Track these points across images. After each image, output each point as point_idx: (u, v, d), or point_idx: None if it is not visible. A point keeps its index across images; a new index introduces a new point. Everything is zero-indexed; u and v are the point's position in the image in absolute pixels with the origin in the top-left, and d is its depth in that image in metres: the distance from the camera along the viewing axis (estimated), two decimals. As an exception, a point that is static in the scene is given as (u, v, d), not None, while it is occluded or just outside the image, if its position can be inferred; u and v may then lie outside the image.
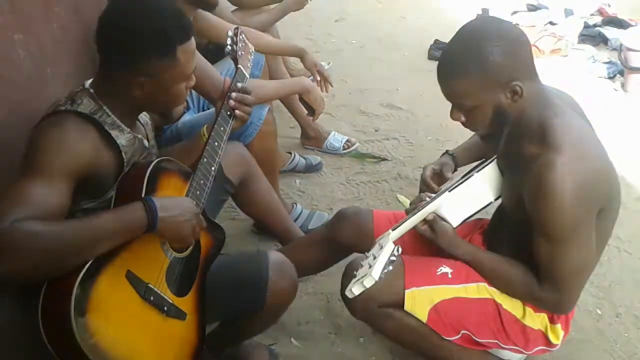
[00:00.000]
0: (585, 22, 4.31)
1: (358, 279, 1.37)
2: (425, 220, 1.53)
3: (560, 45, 4.07)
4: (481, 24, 1.45)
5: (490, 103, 1.39)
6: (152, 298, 1.26)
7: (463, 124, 1.48)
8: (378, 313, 1.57)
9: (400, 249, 1.42)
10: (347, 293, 1.38)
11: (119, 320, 1.19)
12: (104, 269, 1.17)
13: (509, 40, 1.36)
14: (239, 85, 1.66)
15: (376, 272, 1.33)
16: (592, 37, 4.20)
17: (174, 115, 2.18)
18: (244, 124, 1.70)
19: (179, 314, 1.34)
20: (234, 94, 1.62)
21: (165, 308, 1.30)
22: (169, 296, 1.32)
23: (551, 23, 4.30)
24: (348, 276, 1.60)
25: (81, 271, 1.12)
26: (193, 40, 1.38)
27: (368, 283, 1.33)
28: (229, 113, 1.61)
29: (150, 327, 1.26)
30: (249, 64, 1.80)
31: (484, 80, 1.36)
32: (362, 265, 1.41)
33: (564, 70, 3.83)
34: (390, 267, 1.37)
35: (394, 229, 1.50)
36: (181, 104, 1.46)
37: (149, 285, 1.27)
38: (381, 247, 1.41)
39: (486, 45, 1.34)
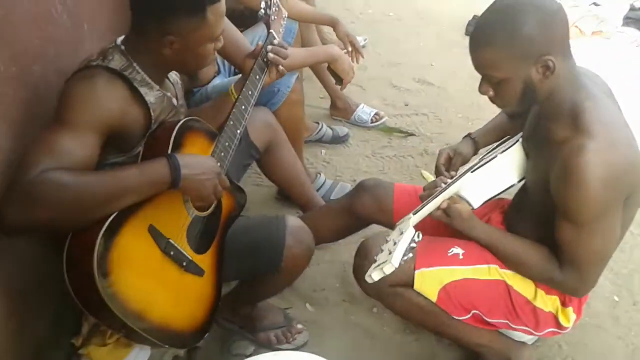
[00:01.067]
0: (630, 5, 4.17)
1: (378, 265, 1.36)
2: (439, 207, 1.51)
3: (603, 27, 3.94)
4: None
5: (520, 77, 1.35)
6: (172, 253, 1.31)
7: (491, 99, 1.45)
8: (389, 292, 1.58)
9: (420, 235, 1.40)
10: (367, 278, 1.37)
11: (139, 271, 1.24)
12: (128, 222, 1.22)
13: (545, 13, 1.31)
14: (275, 41, 1.66)
15: (396, 260, 1.32)
16: (636, 20, 4.07)
17: (203, 78, 2.20)
18: (281, 77, 1.71)
19: (197, 271, 1.38)
20: (270, 47, 1.64)
21: (184, 263, 1.34)
22: (188, 252, 1.36)
23: (595, 4, 4.17)
24: (361, 256, 1.61)
25: (105, 222, 1.17)
26: (223, 2, 1.39)
27: (388, 270, 1.33)
28: (257, 77, 1.62)
29: (168, 281, 1.31)
30: (281, 29, 1.81)
31: (514, 51, 1.32)
32: (382, 250, 1.40)
33: (605, 53, 3.73)
34: (410, 255, 1.36)
35: (415, 213, 1.48)
36: (208, 65, 1.47)
37: (170, 240, 1.31)
38: (401, 233, 1.40)
39: (520, 15, 1.30)
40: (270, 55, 1.65)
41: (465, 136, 1.84)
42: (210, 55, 1.44)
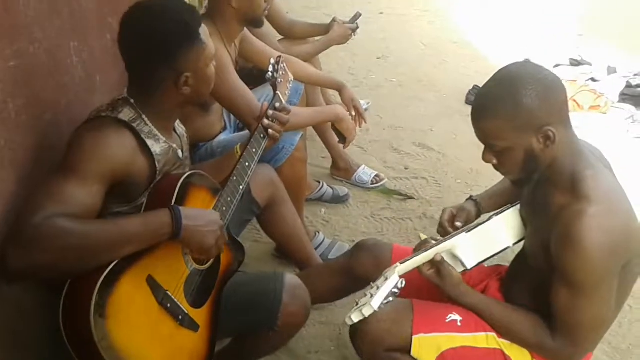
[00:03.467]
0: (627, 82, 4.28)
1: (358, 307, 1.37)
2: (432, 262, 1.51)
3: (600, 102, 4.04)
4: (518, 67, 1.45)
5: (522, 146, 1.38)
6: (168, 305, 1.30)
7: (495, 167, 1.48)
8: (384, 357, 1.55)
9: (404, 282, 1.41)
10: (346, 320, 1.39)
11: (135, 322, 1.22)
12: (127, 271, 1.21)
13: (544, 85, 1.36)
14: (277, 105, 1.71)
15: (376, 302, 1.33)
16: (633, 97, 4.16)
17: (209, 133, 2.24)
18: (275, 143, 1.74)
19: (192, 325, 1.37)
20: (270, 112, 1.67)
21: (180, 317, 1.33)
22: (184, 306, 1.35)
23: (593, 79, 4.29)
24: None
25: (104, 271, 1.17)
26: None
27: (366, 312, 1.34)
28: (262, 135, 1.66)
29: (163, 334, 1.29)
30: (286, 92, 1.86)
31: (516, 122, 1.36)
32: (365, 295, 1.41)
33: (601, 127, 3.80)
34: (391, 299, 1.36)
35: (402, 263, 1.49)
36: (212, 86, 1.51)
37: (167, 292, 1.30)
38: (386, 279, 1.41)
39: (521, 88, 1.34)
40: (265, 122, 1.68)
41: (468, 199, 1.85)
42: (213, 76, 1.48)
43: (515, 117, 1.35)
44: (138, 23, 1.38)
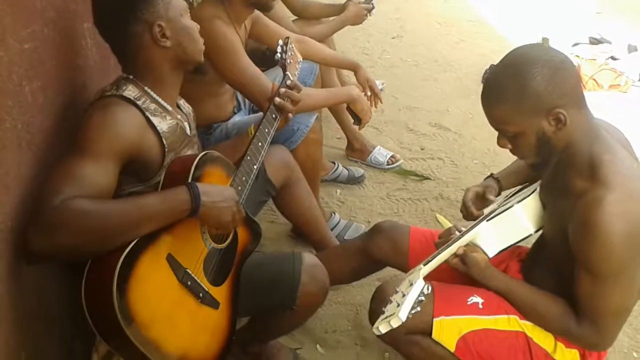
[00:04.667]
0: (648, 60, 4.20)
1: (385, 317, 1.35)
2: (456, 255, 1.51)
3: (620, 80, 3.97)
4: (525, 50, 1.43)
5: (533, 130, 1.37)
6: (189, 283, 1.31)
7: (511, 151, 1.47)
8: (405, 339, 1.55)
9: (430, 288, 1.39)
10: (374, 331, 1.37)
11: (157, 301, 1.24)
12: (146, 250, 1.22)
13: (551, 67, 1.33)
14: (289, 82, 1.69)
15: (403, 314, 1.31)
16: (654, 75, 4.09)
17: (223, 114, 2.24)
18: (288, 122, 1.73)
19: (213, 303, 1.38)
20: (282, 89, 1.66)
21: (201, 295, 1.34)
22: (204, 284, 1.36)
23: (613, 58, 4.21)
24: (377, 300, 1.59)
25: (125, 250, 1.17)
26: None
27: (395, 323, 1.32)
28: (274, 115, 1.65)
29: (184, 311, 1.30)
30: (296, 72, 1.86)
31: (524, 106, 1.34)
32: (390, 302, 1.39)
33: (621, 106, 3.74)
34: (418, 308, 1.34)
35: (425, 264, 1.47)
36: (201, 47, 1.49)
37: (187, 270, 1.31)
38: (411, 284, 1.38)
39: (526, 71, 1.33)
40: (277, 100, 1.67)
41: (489, 176, 1.83)
42: (195, 28, 1.47)
43: (523, 101, 1.34)
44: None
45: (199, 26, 1.50)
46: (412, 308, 1.33)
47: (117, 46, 1.45)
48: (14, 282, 1.22)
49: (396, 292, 1.41)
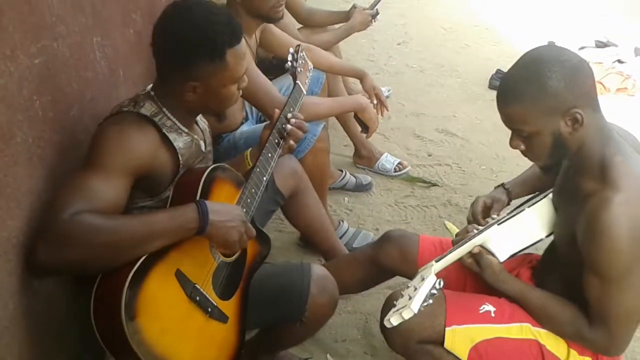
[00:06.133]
0: (655, 63, 4.18)
1: (397, 309, 1.36)
2: (471, 254, 1.51)
3: (627, 84, 3.96)
4: (542, 51, 1.43)
5: (549, 130, 1.37)
6: (197, 298, 1.31)
7: (523, 152, 1.46)
8: (417, 349, 1.55)
9: (442, 283, 1.39)
10: (385, 323, 1.37)
11: (165, 317, 1.24)
12: (155, 266, 1.22)
13: (569, 67, 1.34)
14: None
15: (415, 305, 1.32)
16: (661, 78, 4.07)
17: (230, 124, 2.24)
18: (291, 151, 1.71)
19: (222, 317, 1.38)
20: (293, 120, 1.62)
21: (209, 309, 1.33)
22: (213, 298, 1.36)
23: (619, 61, 4.19)
24: (388, 306, 1.59)
25: (134, 266, 1.18)
26: (243, 43, 1.41)
27: (406, 315, 1.33)
28: (277, 141, 1.61)
29: (193, 327, 1.30)
30: (307, 81, 1.85)
31: (542, 105, 1.34)
32: (402, 296, 1.40)
33: (629, 110, 3.73)
34: (430, 301, 1.35)
35: (438, 261, 1.48)
36: (233, 105, 1.49)
37: (196, 285, 1.31)
38: (423, 279, 1.39)
39: (546, 70, 1.33)
40: (289, 126, 1.61)
41: (498, 186, 1.82)
42: (234, 96, 1.46)
43: (541, 100, 1.33)
44: (169, 21, 1.38)
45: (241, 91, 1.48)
46: (424, 301, 1.34)
47: (158, 67, 1.43)
48: (25, 298, 1.22)
49: (408, 286, 1.42)
